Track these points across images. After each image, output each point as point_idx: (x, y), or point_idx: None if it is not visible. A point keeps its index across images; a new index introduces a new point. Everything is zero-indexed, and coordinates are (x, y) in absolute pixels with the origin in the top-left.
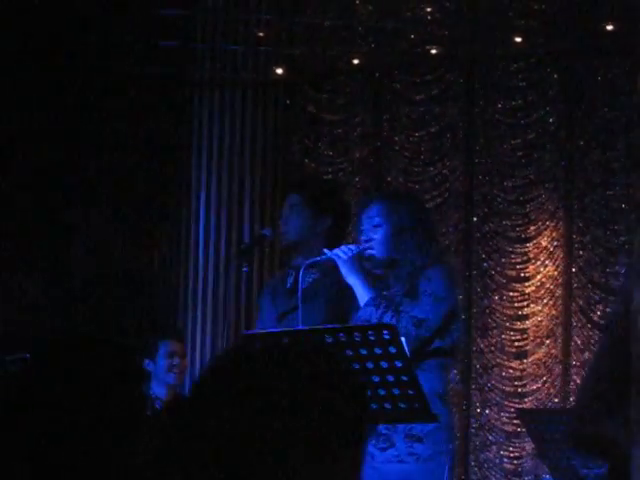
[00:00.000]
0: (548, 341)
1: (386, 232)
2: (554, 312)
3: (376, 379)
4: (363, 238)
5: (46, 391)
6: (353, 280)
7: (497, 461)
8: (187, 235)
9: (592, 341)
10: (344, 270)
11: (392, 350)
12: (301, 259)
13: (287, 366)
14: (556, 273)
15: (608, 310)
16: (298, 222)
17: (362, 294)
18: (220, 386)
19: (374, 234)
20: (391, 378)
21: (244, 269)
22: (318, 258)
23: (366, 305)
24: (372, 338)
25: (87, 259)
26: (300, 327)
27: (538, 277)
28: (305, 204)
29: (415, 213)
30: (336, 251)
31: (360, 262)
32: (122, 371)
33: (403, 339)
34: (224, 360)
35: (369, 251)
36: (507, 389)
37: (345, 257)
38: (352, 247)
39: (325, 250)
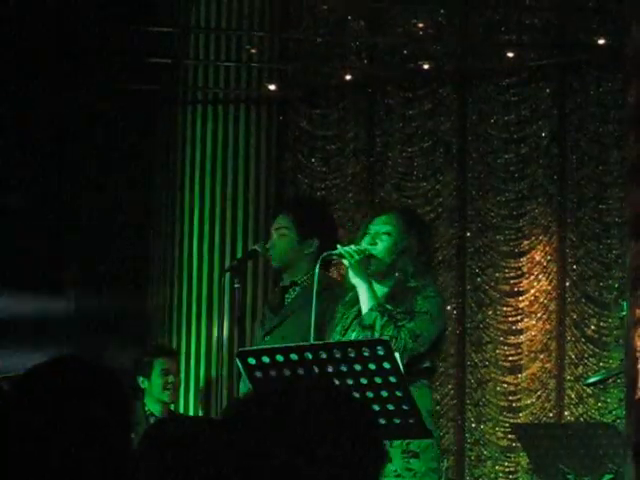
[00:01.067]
0: (542, 355)
1: (392, 243)
2: (548, 326)
3: (370, 395)
4: (367, 239)
5: (34, 412)
6: (360, 282)
7: (492, 476)
8: (180, 252)
9: (586, 355)
10: (353, 270)
11: (386, 366)
12: (288, 279)
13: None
14: (550, 287)
15: (602, 324)
16: (285, 246)
17: (367, 297)
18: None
19: (380, 240)
20: (385, 394)
21: (236, 285)
22: (332, 252)
23: (371, 309)
24: (366, 354)
25: (81, 272)
26: (296, 344)
27: (532, 291)
28: (292, 228)
29: (424, 239)
30: (347, 249)
31: (367, 266)
32: (108, 397)
33: (397, 355)
34: (244, 405)
35: (372, 250)
36: (501, 404)
37: (357, 257)
38: (361, 247)
39: (338, 246)
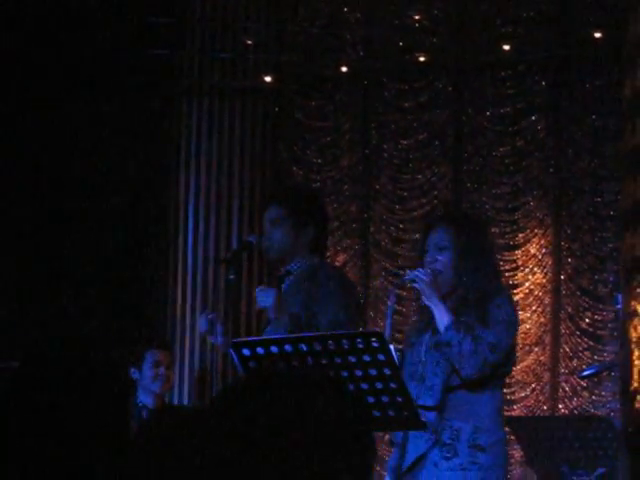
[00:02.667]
0: (537, 348)
1: (451, 255)
2: (543, 319)
3: (365, 386)
4: (428, 259)
5: (31, 400)
6: (434, 303)
7: None
8: (175, 243)
9: (580, 348)
10: (426, 293)
11: (381, 357)
12: (284, 270)
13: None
14: (545, 280)
15: (597, 317)
16: (281, 236)
17: (442, 317)
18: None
19: (439, 255)
20: (380, 385)
21: (231, 277)
22: (404, 278)
23: (447, 328)
24: (360, 346)
25: (76, 267)
26: (291, 335)
27: (527, 284)
28: (287, 217)
29: (481, 239)
30: (416, 273)
31: (438, 285)
32: (109, 382)
33: (392, 347)
34: (233, 391)
35: (436, 268)
36: None
37: (427, 280)
38: (427, 270)
39: (408, 271)
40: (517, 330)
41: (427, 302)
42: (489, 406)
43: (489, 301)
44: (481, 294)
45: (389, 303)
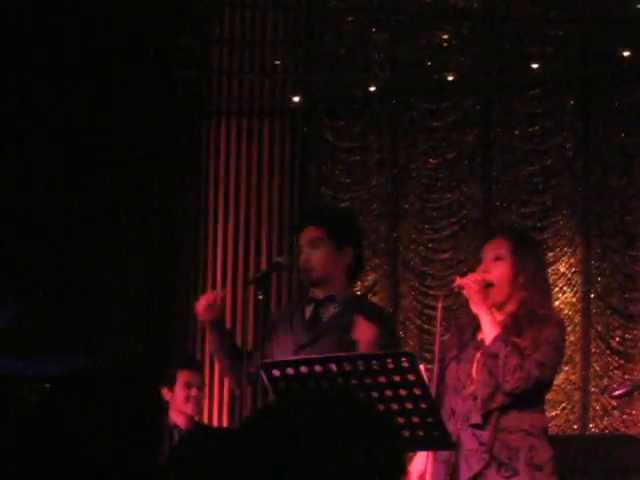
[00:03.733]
0: (567, 367)
1: (506, 267)
2: (573, 338)
3: (395, 407)
4: (482, 268)
5: (63, 424)
6: (482, 310)
7: None
8: (205, 264)
9: (611, 367)
10: (474, 300)
11: (411, 378)
12: (321, 293)
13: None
14: (574, 299)
15: (627, 336)
16: (321, 258)
17: (490, 326)
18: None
19: (494, 267)
20: (410, 406)
21: (260, 297)
22: (451, 286)
23: (496, 339)
24: (391, 366)
25: (105, 286)
26: (320, 356)
27: (556, 303)
28: (327, 238)
29: (538, 259)
30: (466, 280)
31: (487, 294)
32: (141, 406)
33: (422, 367)
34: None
35: (488, 277)
36: None
37: (477, 287)
38: (477, 276)
39: (457, 277)
40: (563, 355)
41: (475, 310)
42: (539, 425)
43: (539, 319)
44: (531, 310)
45: None
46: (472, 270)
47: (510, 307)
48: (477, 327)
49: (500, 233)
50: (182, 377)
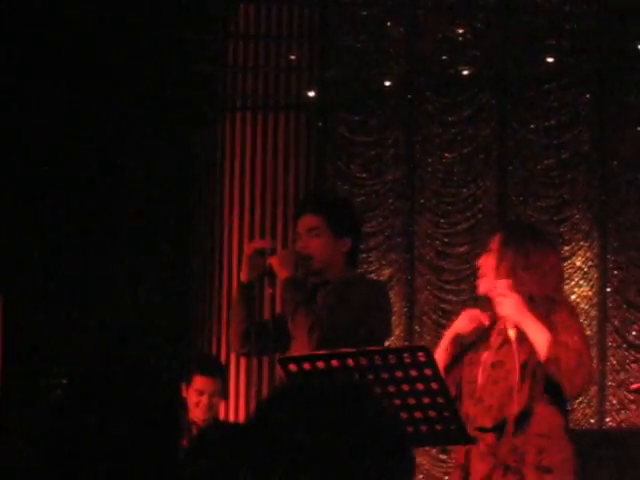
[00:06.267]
0: None
1: (497, 263)
2: (589, 332)
3: (412, 401)
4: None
5: (86, 418)
6: (527, 320)
7: None
8: (220, 261)
9: (628, 361)
10: (516, 315)
11: (428, 372)
12: (317, 279)
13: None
14: (591, 293)
15: None
16: (319, 245)
17: (539, 331)
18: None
19: (489, 261)
20: (427, 400)
21: (270, 292)
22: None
23: (551, 344)
24: (407, 360)
25: (120, 287)
26: (337, 351)
27: (572, 297)
28: (326, 227)
29: (537, 250)
30: (499, 290)
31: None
32: (161, 400)
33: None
34: (276, 397)
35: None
36: None
37: (516, 298)
38: (508, 281)
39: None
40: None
41: (517, 319)
42: (554, 426)
43: (555, 307)
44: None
45: None
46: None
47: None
48: (491, 327)
49: (501, 227)
50: (196, 382)
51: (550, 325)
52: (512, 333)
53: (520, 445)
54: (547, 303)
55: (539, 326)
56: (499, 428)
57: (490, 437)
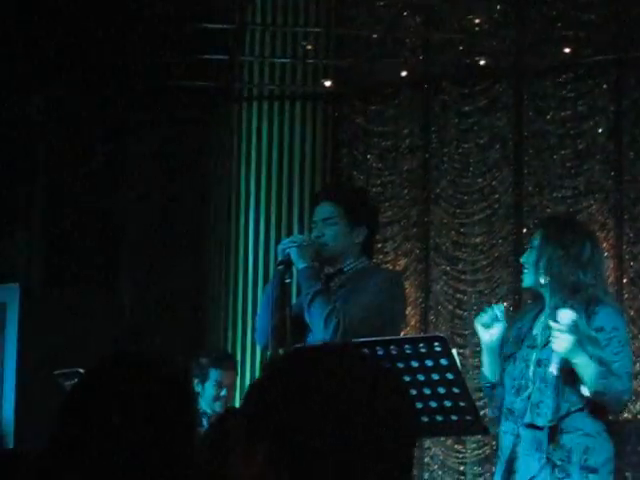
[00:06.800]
0: None
1: (538, 257)
2: None
3: (427, 391)
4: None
5: (99, 408)
6: (577, 358)
7: None
8: (236, 250)
9: None
10: (574, 352)
11: (443, 362)
12: (332, 268)
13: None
14: None
15: None
16: (335, 235)
17: (590, 367)
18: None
19: (530, 256)
20: (443, 390)
21: (287, 280)
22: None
23: (599, 376)
24: (423, 350)
25: (137, 277)
26: (354, 340)
27: None
28: (342, 215)
29: (579, 245)
30: (559, 325)
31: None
32: (174, 392)
33: (454, 351)
34: (279, 364)
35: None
36: None
37: (568, 339)
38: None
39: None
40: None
41: (568, 357)
42: (599, 425)
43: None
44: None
45: None
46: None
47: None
48: (533, 322)
49: (541, 222)
50: (214, 375)
51: (590, 339)
52: (553, 369)
53: (568, 443)
54: (588, 299)
55: (587, 361)
56: (547, 426)
57: (541, 435)
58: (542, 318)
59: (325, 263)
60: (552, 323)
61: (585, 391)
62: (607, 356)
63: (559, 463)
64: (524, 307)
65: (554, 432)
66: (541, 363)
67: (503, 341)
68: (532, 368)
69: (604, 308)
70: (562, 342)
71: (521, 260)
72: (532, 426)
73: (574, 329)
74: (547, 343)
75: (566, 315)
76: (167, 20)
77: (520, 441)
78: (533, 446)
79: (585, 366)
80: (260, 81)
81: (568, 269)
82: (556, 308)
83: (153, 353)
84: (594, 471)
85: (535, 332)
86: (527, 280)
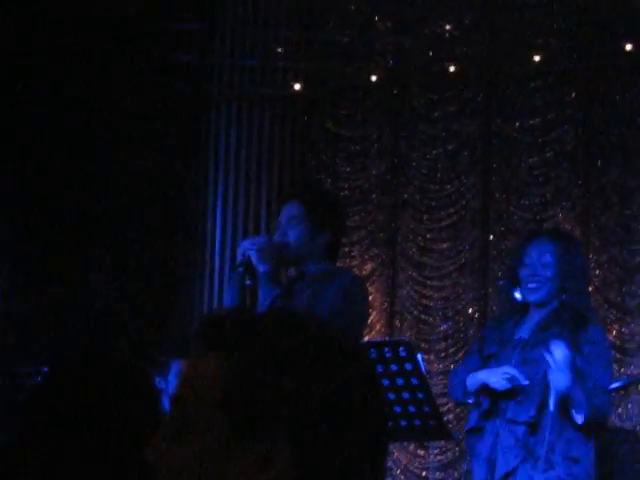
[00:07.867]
0: None
1: (556, 273)
2: None
3: (392, 396)
4: (528, 272)
5: (63, 406)
6: (563, 370)
7: None
8: (203, 250)
9: None
10: (561, 374)
11: (408, 367)
12: (293, 271)
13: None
14: None
15: (624, 330)
16: (297, 235)
17: (562, 380)
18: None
19: (544, 271)
20: (407, 395)
21: (247, 282)
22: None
23: (568, 389)
24: (388, 355)
25: (104, 271)
26: None
27: None
28: (306, 216)
29: (583, 260)
30: (551, 357)
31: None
32: (138, 387)
33: (419, 356)
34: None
35: (532, 285)
36: None
37: (566, 354)
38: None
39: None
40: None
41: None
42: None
43: (585, 324)
44: (577, 314)
45: None
46: (513, 272)
47: (551, 307)
48: (517, 323)
49: (545, 236)
50: (176, 366)
51: (581, 355)
52: (551, 405)
53: (551, 437)
54: (579, 319)
55: (566, 375)
56: (529, 422)
57: (521, 430)
58: (527, 323)
59: (288, 264)
60: (548, 358)
61: (579, 419)
62: (594, 372)
63: (543, 455)
64: (501, 313)
65: (536, 426)
66: (527, 362)
67: (482, 344)
68: (517, 367)
69: (594, 326)
70: (561, 380)
71: (521, 275)
72: (513, 422)
73: (569, 364)
74: (535, 344)
75: (559, 351)
76: (138, 20)
77: (500, 439)
78: (513, 441)
79: (579, 395)
80: (230, 83)
81: (584, 286)
82: (547, 328)
83: (117, 352)
84: (577, 461)
85: (518, 336)
86: (540, 294)
